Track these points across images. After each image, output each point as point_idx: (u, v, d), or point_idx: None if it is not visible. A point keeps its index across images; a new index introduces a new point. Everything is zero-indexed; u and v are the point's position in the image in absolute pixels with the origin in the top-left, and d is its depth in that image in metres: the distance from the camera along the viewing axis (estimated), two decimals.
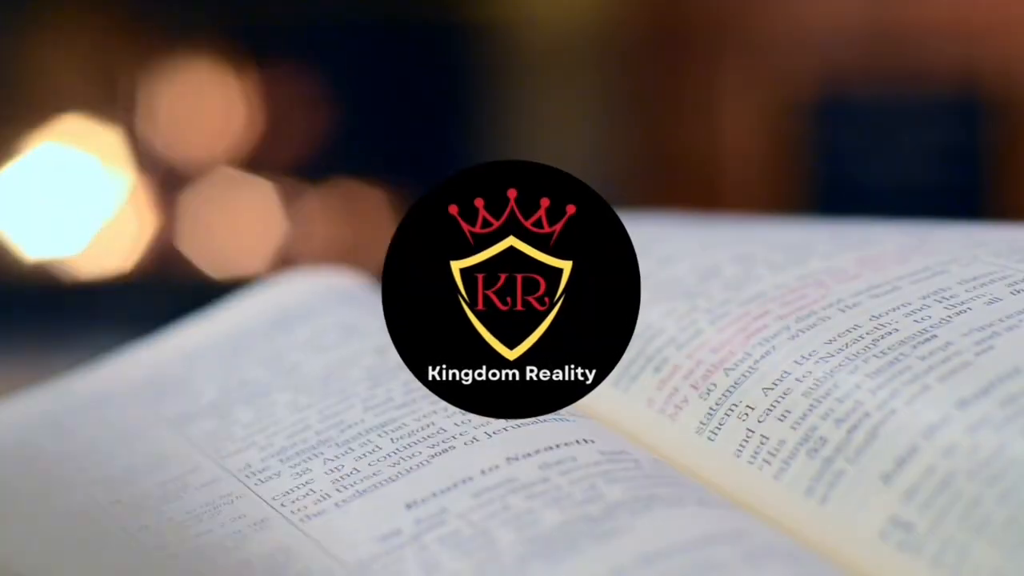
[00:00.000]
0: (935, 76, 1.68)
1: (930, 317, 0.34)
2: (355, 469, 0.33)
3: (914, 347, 0.33)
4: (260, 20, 1.75)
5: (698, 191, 1.71)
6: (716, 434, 0.34)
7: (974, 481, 0.29)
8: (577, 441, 0.33)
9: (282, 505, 0.33)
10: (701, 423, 0.34)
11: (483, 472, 0.32)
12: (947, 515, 0.29)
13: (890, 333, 0.34)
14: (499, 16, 1.72)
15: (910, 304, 0.35)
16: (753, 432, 0.33)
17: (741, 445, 0.33)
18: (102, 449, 0.38)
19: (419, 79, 1.76)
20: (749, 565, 0.28)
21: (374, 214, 1.74)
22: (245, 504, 0.33)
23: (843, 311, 0.35)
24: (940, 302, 0.34)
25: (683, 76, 1.74)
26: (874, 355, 0.33)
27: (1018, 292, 0.34)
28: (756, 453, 0.32)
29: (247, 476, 0.34)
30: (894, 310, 0.34)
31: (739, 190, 1.71)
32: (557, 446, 0.32)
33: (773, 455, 0.32)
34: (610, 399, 0.36)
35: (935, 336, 0.33)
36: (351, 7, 1.76)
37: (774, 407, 0.33)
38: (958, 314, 0.34)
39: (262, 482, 0.34)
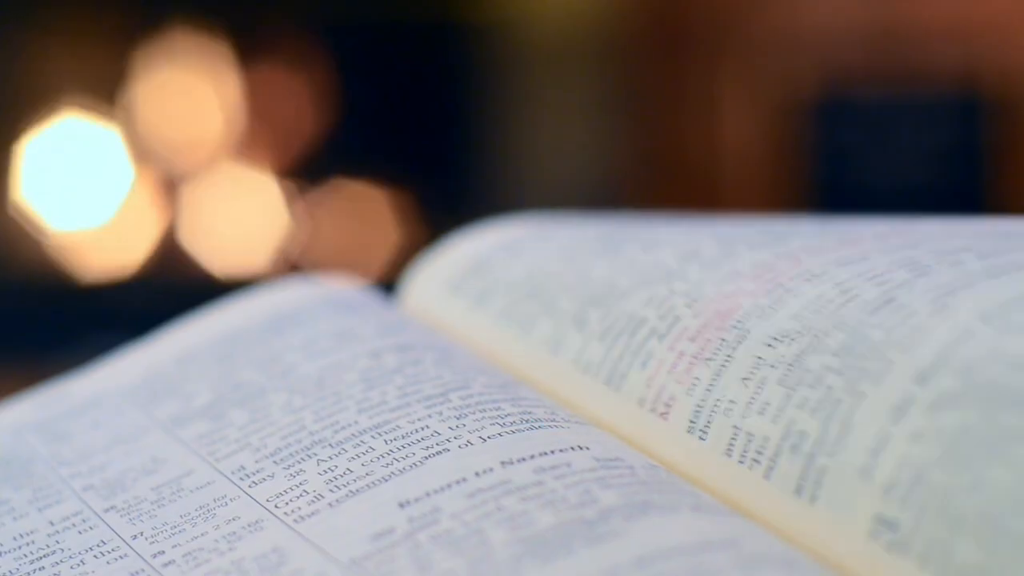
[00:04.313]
0: (935, 76, 1.68)
1: (891, 280, 0.33)
2: (348, 469, 0.33)
3: (872, 314, 0.32)
4: (262, 19, 1.75)
5: (698, 191, 1.72)
6: (706, 433, 0.33)
7: (943, 471, 0.28)
8: (572, 447, 0.33)
9: (276, 507, 0.33)
10: (691, 422, 0.34)
11: (477, 474, 0.32)
12: (926, 511, 0.28)
13: (850, 300, 0.33)
14: (499, 16, 1.72)
15: (875, 270, 0.34)
16: (739, 429, 0.32)
17: (730, 444, 0.32)
18: (96, 453, 0.38)
19: (419, 79, 1.76)
20: (744, 572, 0.28)
21: (374, 214, 1.74)
22: (239, 506, 0.33)
23: (809, 280, 0.34)
24: (904, 267, 0.33)
25: (683, 76, 1.74)
26: (837, 328, 0.32)
27: (984, 258, 0.33)
28: (745, 452, 0.32)
29: (241, 478, 0.35)
30: (858, 276, 0.34)
31: (739, 190, 1.72)
32: (552, 451, 0.32)
33: (761, 453, 0.32)
34: (605, 399, 0.36)
35: (893, 299, 0.32)
36: (352, 7, 1.76)
37: (753, 400, 0.32)
38: (919, 276, 0.33)
39: (256, 484, 0.34)
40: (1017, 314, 0.30)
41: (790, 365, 0.32)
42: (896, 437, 0.29)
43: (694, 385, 0.34)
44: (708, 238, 0.39)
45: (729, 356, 0.34)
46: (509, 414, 0.34)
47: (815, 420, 0.31)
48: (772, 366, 0.33)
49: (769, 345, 0.33)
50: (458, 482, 0.32)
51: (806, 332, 0.33)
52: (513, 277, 0.42)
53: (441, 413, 0.35)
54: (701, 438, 0.33)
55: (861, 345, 0.31)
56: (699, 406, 0.34)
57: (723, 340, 0.34)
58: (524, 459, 0.32)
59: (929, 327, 0.31)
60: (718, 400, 0.33)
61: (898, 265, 0.34)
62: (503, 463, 0.32)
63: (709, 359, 0.34)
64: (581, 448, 0.33)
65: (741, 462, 0.32)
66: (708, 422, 0.33)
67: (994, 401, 0.28)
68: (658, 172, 1.77)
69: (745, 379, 0.33)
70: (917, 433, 0.29)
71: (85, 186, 1.71)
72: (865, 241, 0.36)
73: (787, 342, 0.33)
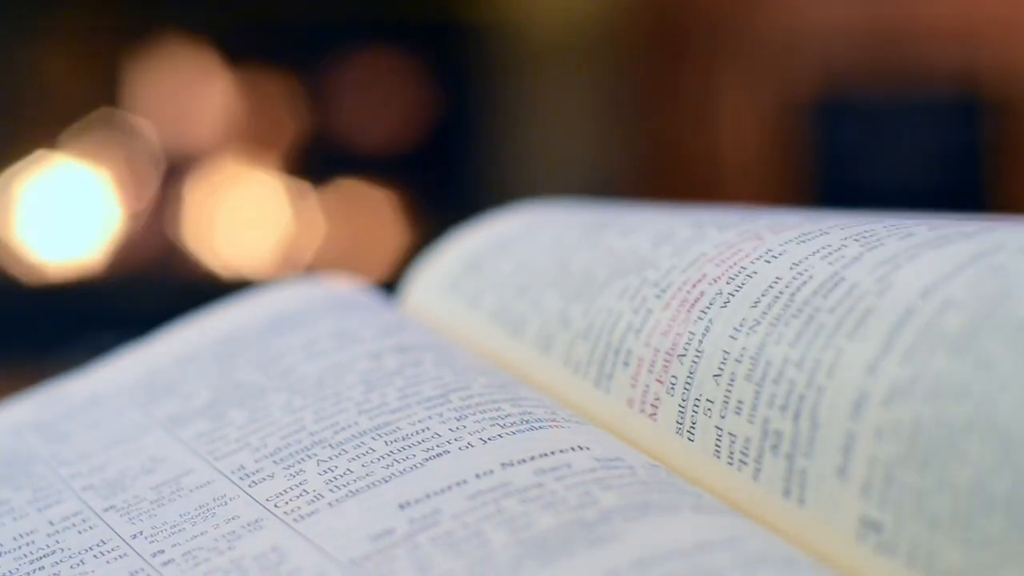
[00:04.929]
0: (935, 76, 1.68)
1: (844, 257, 0.32)
2: (348, 470, 0.33)
3: (824, 297, 0.31)
4: (262, 19, 1.75)
5: (698, 191, 1.72)
6: (693, 434, 0.33)
7: (910, 469, 0.28)
8: (572, 448, 0.33)
9: (275, 506, 0.33)
10: (677, 423, 0.33)
11: (477, 476, 0.32)
12: (904, 511, 0.28)
13: (805, 283, 0.32)
14: (499, 16, 1.72)
15: (830, 246, 0.33)
16: (721, 430, 0.32)
17: (716, 445, 0.32)
18: (96, 453, 0.38)
19: (420, 79, 1.76)
20: (744, 572, 0.28)
21: (375, 214, 1.74)
22: (239, 505, 0.33)
23: (768, 262, 0.34)
24: (858, 240, 0.33)
25: (683, 76, 1.74)
26: (792, 314, 0.32)
27: (934, 228, 0.32)
28: (731, 453, 0.32)
29: (241, 478, 0.35)
30: (813, 254, 0.33)
31: (739, 191, 1.72)
32: (552, 452, 0.32)
33: (745, 454, 0.31)
34: (596, 402, 0.36)
35: (843, 279, 0.32)
36: (353, 7, 1.76)
37: (727, 398, 0.32)
38: (870, 250, 0.32)
39: (256, 483, 0.34)
40: (954, 286, 0.29)
41: (753, 358, 0.32)
42: (861, 434, 0.29)
43: (672, 384, 0.34)
44: (683, 221, 0.39)
45: (698, 351, 0.34)
46: (509, 415, 0.34)
47: (786, 419, 0.31)
48: (737, 360, 0.32)
49: (732, 337, 0.33)
50: (458, 484, 0.32)
51: (763, 320, 0.32)
52: (504, 275, 0.42)
53: (441, 415, 0.35)
54: (690, 439, 0.33)
55: (815, 333, 0.31)
56: (681, 406, 0.34)
57: (691, 333, 0.34)
58: (524, 460, 0.32)
59: (875, 308, 0.30)
60: (697, 399, 0.33)
61: (852, 239, 0.33)
62: (503, 465, 0.32)
63: (681, 355, 0.34)
64: (581, 448, 0.33)
65: (730, 463, 0.32)
66: (693, 423, 0.33)
67: (939, 391, 0.28)
68: (658, 172, 1.77)
69: (716, 375, 0.33)
70: (878, 429, 0.28)
71: (86, 184, 1.71)
72: (830, 219, 0.36)
73: (747, 331, 0.33)
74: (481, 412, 0.35)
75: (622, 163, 1.76)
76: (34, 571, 0.33)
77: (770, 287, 0.33)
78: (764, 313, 0.32)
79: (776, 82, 1.71)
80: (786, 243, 0.34)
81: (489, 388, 0.36)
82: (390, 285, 0.48)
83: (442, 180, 1.77)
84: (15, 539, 0.35)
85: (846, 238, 0.33)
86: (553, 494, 0.31)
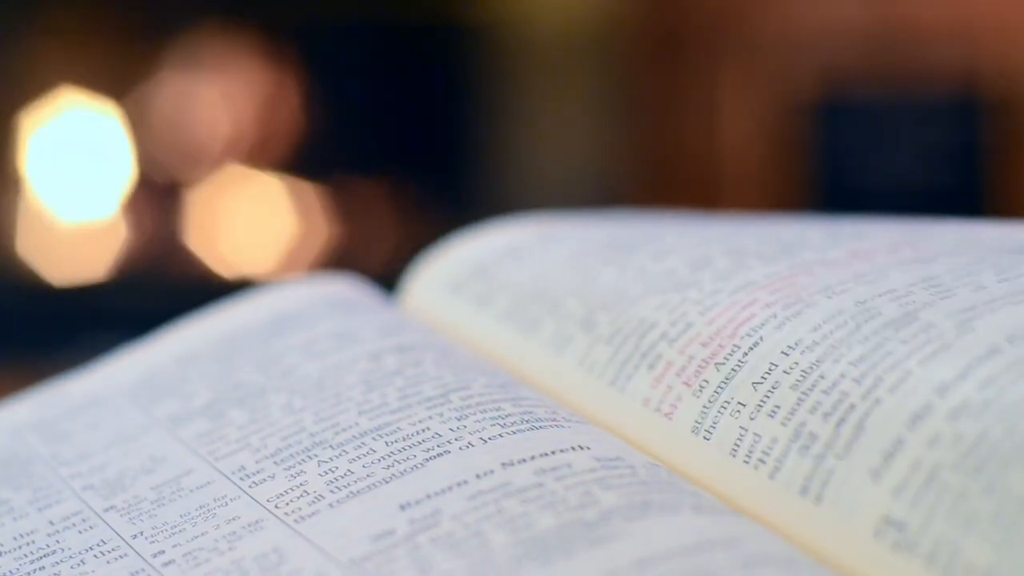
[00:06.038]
0: (935, 76, 1.68)
1: (914, 302, 0.33)
2: (349, 471, 0.33)
3: (896, 330, 0.32)
4: (263, 19, 1.75)
5: (698, 192, 1.72)
6: (711, 433, 0.33)
7: (959, 473, 0.28)
8: (573, 447, 0.33)
9: (276, 507, 0.33)
10: (696, 422, 0.34)
11: (478, 476, 0.32)
12: (936, 511, 0.28)
13: (873, 317, 0.33)
14: (499, 16, 1.72)
15: (896, 290, 0.34)
16: (746, 430, 0.33)
17: (736, 444, 0.33)
18: (96, 453, 0.38)
19: (420, 79, 1.76)
20: (744, 572, 0.28)
21: (375, 214, 1.74)
22: (239, 505, 0.33)
23: (829, 297, 0.35)
24: (926, 288, 0.34)
25: (683, 77, 1.74)
26: (857, 341, 0.33)
27: (1004, 280, 0.34)
28: (750, 452, 0.32)
29: (241, 479, 0.35)
30: (879, 296, 0.34)
31: (739, 191, 1.72)
32: (553, 452, 0.32)
33: (767, 454, 0.32)
34: (607, 400, 0.36)
35: (917, 319, 0.33)
36: (354, 8, 1.76)
37: (764, 402, 0.33)
38: (942, 299, 0.33)
39: (256, 484, 0.34)
40: None
41: (804, 372, 0.33)
42: (911, 441, 0.30)
43: (702, 387, 0.34)
44: (718, 248, 0.39)
45: (741, 361, 0.34)
46: (510, 414, 0.34)
47: (827, 424, 0.31)
48: (786, 372, 0.33)
49: (784, 353, 0.34)
50: (459, 484, 0.32)
51: (823, 342, 0.33)
52: (517, 280, 0.42)
53: (442, 415, 0.35)
54: (706, 438, 0.33)
55: (881, 356, 0.32)
56: (706, 407, 0.34)
57: (736, 346, 0.35)
58: (525, 460, 0.32)
59: (955, 344, 0.31)
60: (726, 402, 0.34)
61: (919, 286, 0.34)
62: (504, 464, 0.32)
63: (720, 363, 0.34)
64: (582, 448, 0.33)
65: (746, 462, 0.32)
66: (714, 423, 0.34)
67: (1015, 411, 0.29)
68: (658, 172, 1.77)
69: (756, 383, 0.33)
70: (934, 438, 0.29)
71: (86, 185, 1.71)
72: (879, 254, 0.37)
73: (803, 350, 0.33)
74: (481, 412, 0.35)
75: (622, 164, 1.76)
76: (34, 571, 0.33)
77: (832, 317, 0.34)
78: (825, 337, 0.33)
79: (776, 82, 1.71)
80: (844, 281, 0.35)
81: (489, 388, 0.36)
82: (389, 285, 0.48)
83: (442, 180, 1.77)
84: (15, 539, 0.35)
85: (911, 282, 0.34)
86: (553, 494, 0.31)
